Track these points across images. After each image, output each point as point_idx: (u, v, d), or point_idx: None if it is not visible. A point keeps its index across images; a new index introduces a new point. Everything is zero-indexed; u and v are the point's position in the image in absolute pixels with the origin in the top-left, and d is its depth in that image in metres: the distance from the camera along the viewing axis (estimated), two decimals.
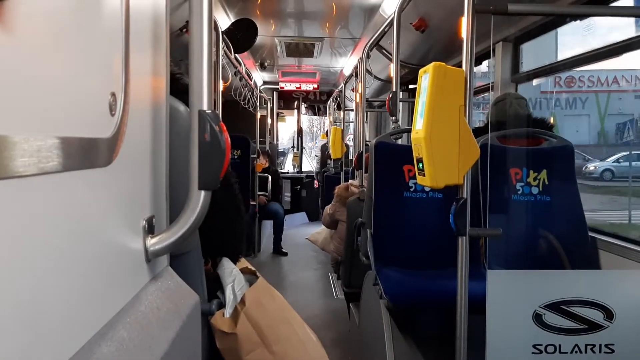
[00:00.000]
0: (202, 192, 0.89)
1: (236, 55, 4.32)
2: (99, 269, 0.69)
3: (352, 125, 7.76)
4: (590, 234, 2.41)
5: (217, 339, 1.39)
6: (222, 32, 3.24)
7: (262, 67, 6.96)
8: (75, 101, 0.61)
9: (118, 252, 0.76)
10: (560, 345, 1.62)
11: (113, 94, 0.71)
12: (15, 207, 0.49)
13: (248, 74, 5.78)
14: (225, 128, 0.90)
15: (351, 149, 6.96)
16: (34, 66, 0.52)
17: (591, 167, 13.72)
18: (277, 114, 9.70)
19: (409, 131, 2.88)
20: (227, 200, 1.49)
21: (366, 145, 3.89)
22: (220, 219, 1.45)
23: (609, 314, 1.63)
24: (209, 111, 0.88)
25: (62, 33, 0.58)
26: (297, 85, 8.53)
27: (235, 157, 5.66)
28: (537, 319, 1.62)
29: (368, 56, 3.82)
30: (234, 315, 1.40)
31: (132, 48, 0.78)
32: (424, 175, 1.59)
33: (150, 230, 0.88)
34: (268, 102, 8.01)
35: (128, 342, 0.70)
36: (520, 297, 1.64)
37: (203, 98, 0.88)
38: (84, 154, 0.63)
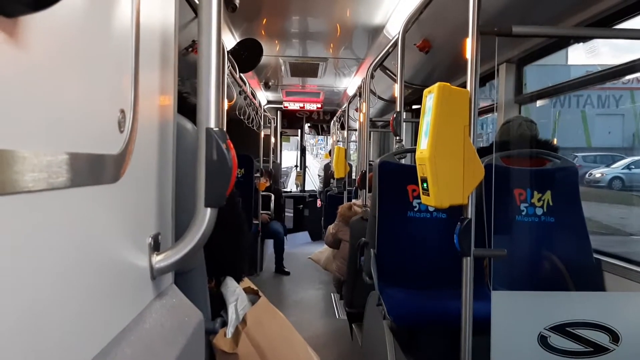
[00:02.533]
0: (208, 210, 0.89)
1: (241, 74, 4.35)
2: (104, 286, 0.69)
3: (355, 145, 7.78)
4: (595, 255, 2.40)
5: (218, 358, 1.38)
6: (228, 52, 3.27)
7: (267, 86, 7.00)
8: (84, 117, 0.61)
9: (123, 269, 0.76)
10: None
11: (122, 111, 0.72)
12: (23, 222, 0.49)
13: (252, 93, 5.82)
14: (232, 146, 0.90)
15: (354, 168, 6.98)
16: (45, 82, 0.53)
17: (597, 173, 11.57)
18: (281, 133, 9.73)
19: (412, 151, 2.89)
20: (231, 219, 1.49)
21: (370, 164, 3.90)
22: (224, 238, 1.45)
23: (614, 337, 1.61)
24: (217, 129, 0.88)
25: (73, 50, 0.59)
26: (301, 105, 8.57)
27: (239, 175, 5.67)
28: (542, 341, 1.60)
29: (372, 76, 3.84)
30: (235, 335, 1.39)
31: (142, 66, 0.79)
32: (428, 195, 1.59)
33: (155, 247, 0.88)
34: (272, 121, 8.04)
35: None
36: (525, 319, 1.63)
37: (211, 116, 0.88)
38: (93, 170, 0.63)
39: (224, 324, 1.37)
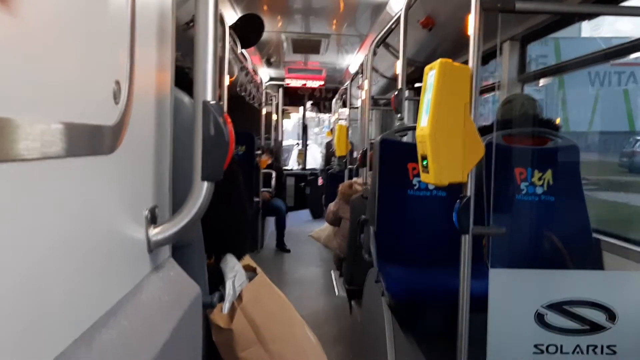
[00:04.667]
0: (205, 183, 0.89)
1: (242, 50, 4.32)
2: (101, 258, 0.69)
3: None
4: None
5: (214, 333, 1.39)
6: (229, 27, 3.24)
7: (268, 63, 6.97)
8: (79, 87, 0.61)
9: (120, 241, 0.76)
10: (561, 346, 1.62)
11: (117, 82, 0.71)
12: (16, 191, 0.49)
13: (254, 70, 5.79)
14: (229, 120, 0.90)
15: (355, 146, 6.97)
16: (40, 51, 0.52)
17: None
18: (283, 111, 9.70)
19: (413, 129, 2.88)
20: (233, 199, 1.49)
21: (371, 143, 3.89)
22: (226, 218, 1.46)
23: (611, 315, 1.62)
24: (213, 102, 0.88)
25: (69, 19, 0.58)
26: (303, 82, 8.51)
27: (240, 152, 5.67)
28: (539, 318, 1.62)
29: (374, 53, 3.81)
30: (231, 311, 1.40)
31: (138, 38, 0.78)
32: (428, 172, 1.59)
33: (152, 220, 0.88)
34: (273, 98, 8.01)
35: (128, 331, 0.70)
36: (522, 297, 1.64)
37: (207, 89, 0.88)
38: (87, 141, 0.63)
39: (222, 298, 1.38)
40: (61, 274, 0.58)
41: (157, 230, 0.88)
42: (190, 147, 0.89)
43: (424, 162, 1.60)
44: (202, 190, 0.89)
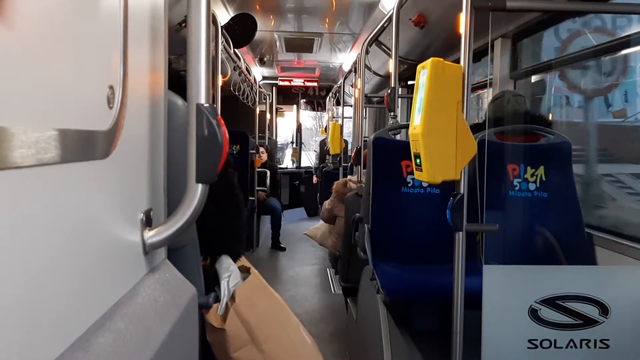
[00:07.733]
0: (200, 185, 0.89)
1: (235, 50, 4.32)
2: (97, 261, 0.70)
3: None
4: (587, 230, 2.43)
5: (208, 332, 1.40)
6: (221, 27, 3.24)
7: (262, 62, 6.96)
8: (73, 94, 0.61)
9: (116, 245, 0.77)
10: (555, 340, 1.63)
11: (111, 87, 0.72)
12: (13, 198, 0.50)
13: (247, 69, 5.78)
14: (222, 122, 0.91)
15: (349, 145, 6.97)
16: (33, 58, 0.53)
17: None
18: (277, 110, 9.70)
19: (407, 127, 2.89)
20: (227, 201, 1.49)
21: (365, 141, 3.89)
22: (220, 220, 1.46)
23: (604, 310, 1.64)
24: (207, 105, 0.88)
25: (61, 26, 0.59)
26: (297, 81, 8.52)
27: (234, 152, 5.67)
28: (533, 314, 1.63)
29: (367, 52, 3.82)
30: (224, 311, 1.40)
31: (131, 42, 0.78)
32: (421, 170, 1.60)
33: (148, 222, 0.89)
34: (267, 97, 8.00)
35: (125, 333, 0.71)
36: (516, 292, 1.65)
37: (201, 92, 0.88)
38: (82, 146, 0.63)
39: (217, 299, 1.38)
40: (58, 278, 0.59)
41: (152, 232, 0.88)
42: (184, 149, 0.89)
43: (417, 161, 1.61)
44: (196, 193, 0.89)
